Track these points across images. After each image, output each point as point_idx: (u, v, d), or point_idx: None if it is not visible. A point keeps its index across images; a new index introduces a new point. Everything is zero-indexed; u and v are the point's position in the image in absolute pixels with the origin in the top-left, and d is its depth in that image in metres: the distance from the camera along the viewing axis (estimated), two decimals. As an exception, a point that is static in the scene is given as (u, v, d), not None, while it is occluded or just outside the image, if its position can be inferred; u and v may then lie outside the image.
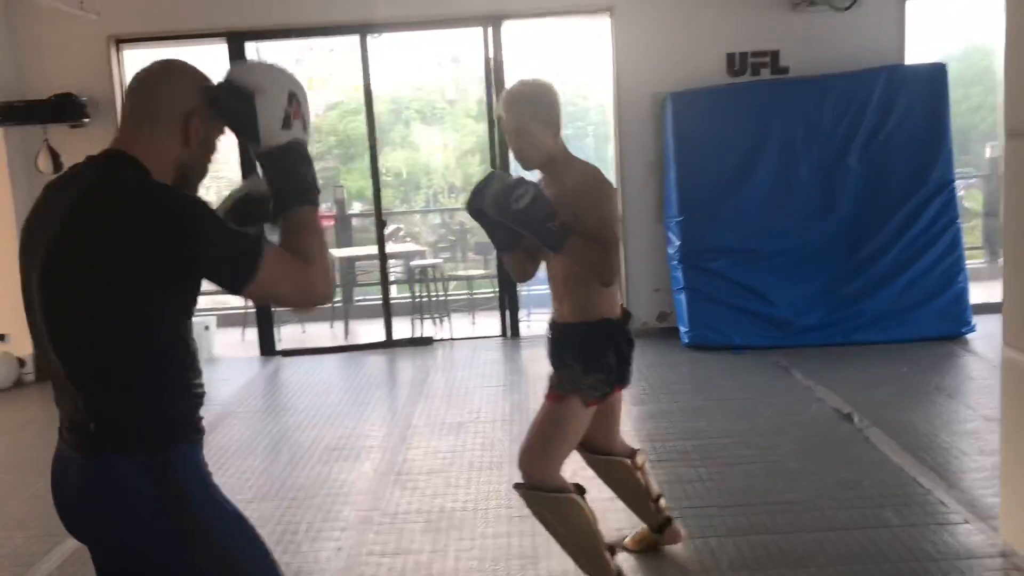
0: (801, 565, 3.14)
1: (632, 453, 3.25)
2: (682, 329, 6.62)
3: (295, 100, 1.66)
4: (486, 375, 6.21)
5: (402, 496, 4.03)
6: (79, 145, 6.35)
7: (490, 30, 6.90)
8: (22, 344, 6.70)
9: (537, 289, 7.96)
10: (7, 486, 4.58)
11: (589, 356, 2.83)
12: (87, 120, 6.59)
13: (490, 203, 2.65)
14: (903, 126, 6.37)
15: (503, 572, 3.24)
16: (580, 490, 2.87)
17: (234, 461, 4.70)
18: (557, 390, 2.86)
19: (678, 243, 6.57)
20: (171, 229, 1.56)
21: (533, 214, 2.60)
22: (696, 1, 6.72)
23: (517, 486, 2.88)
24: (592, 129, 9.39)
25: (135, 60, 7.09)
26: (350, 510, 3.91)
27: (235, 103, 1.65)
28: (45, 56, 6.70)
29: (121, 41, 6.85)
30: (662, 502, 3.33)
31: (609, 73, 6.94)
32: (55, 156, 6.53)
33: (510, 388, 5.84)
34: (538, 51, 8.45)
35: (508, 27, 6.96)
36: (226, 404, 5.86)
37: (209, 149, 1.75)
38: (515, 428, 4.88)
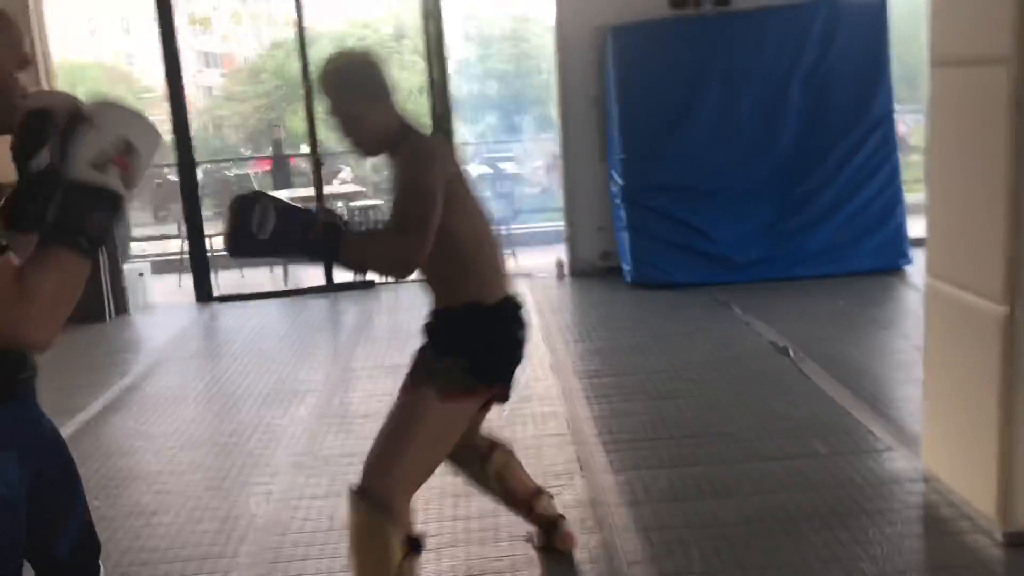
0: (728, 494, 3.16)
1: (488, 450, 2.70)
2: (625, 267, 6.60)
3: (129, 151, 1.47)
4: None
5: (336, 439, 3.99)
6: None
7: (427, -37, 6.70)
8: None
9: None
10: None
11: (441, 340, 2.38)
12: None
13: (239, 244, 2.13)
14: (843, 60, 6.34)
15: (435, 511, 3.21)
16: (417, 542, 2.28)
17: (166, 408, 4.61)
18: (408, 380, 2.37)
19: (621, 181, 6.51)
20: None
21: (287, 235, 2.11)
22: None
23: (352, 493, 2.26)
24: (545, 65, 9.25)
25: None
26: (283, 454, 3.85)
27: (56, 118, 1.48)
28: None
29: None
30: (542, 499, 2.81)
31: (551, 5, 6.79)
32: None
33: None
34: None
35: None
36: (159, 351, 5.74)
37: None
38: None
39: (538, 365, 4.84)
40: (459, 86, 8.24)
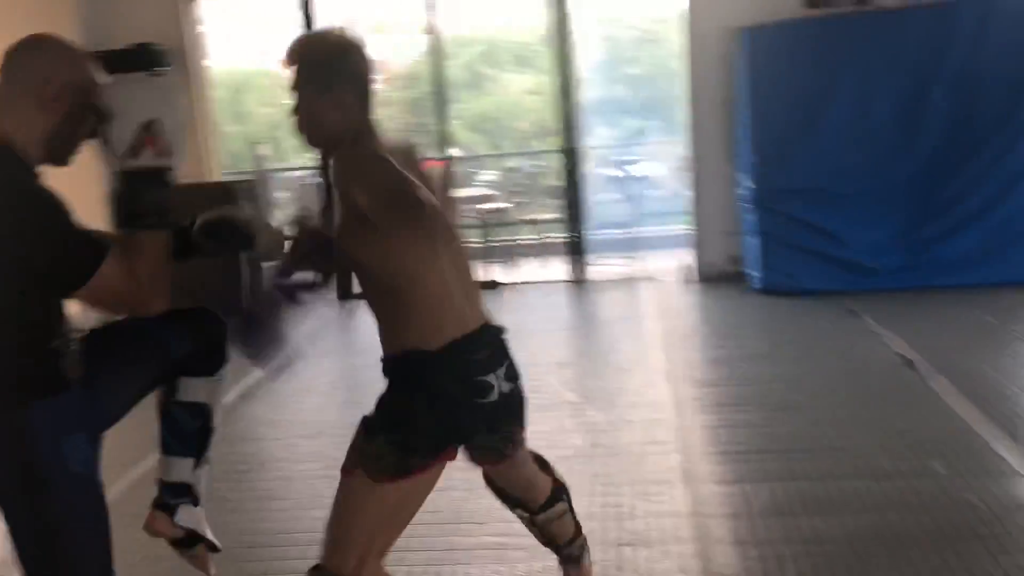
0: (833, 511, 3.06)
1: (538, 507, 2.45)
2: (753, 273, 6.45)
3: (154, 128, 1.69)
4: (547, 319, 6.22)
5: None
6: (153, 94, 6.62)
7: (556, -32, 6.76)
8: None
9: (606, 233, 7.92)
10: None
11: (377, 409, 2.06)
12: (162, 69, 6.77)
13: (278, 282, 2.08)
14: (994, 59, 5.97)
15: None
16: None
17: (295, 398, 4.86)
18: (347, 456, 2.10)
19: (751, 185, 6.37)
20: None
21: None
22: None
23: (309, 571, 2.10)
24: (676, 68, 9.16)
25: (208, 9, 7.27)
26: (395, 448, 4.00)
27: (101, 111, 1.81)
28: (124, 7, 6.89)
29: (194, -10, 7.00)
30: (577, 543, 2.54)
31: (682, 7, 6.72)
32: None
33: (569, 332, 5.84)
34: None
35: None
36: (296, 343, 6.05)
37: (75, 121, 1.85)
38: (567, 372, 4.90)
39: (652, 371, 4.82)
40: (589, 90, 8.26)
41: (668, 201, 8.55)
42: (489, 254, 7.86)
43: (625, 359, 5.13)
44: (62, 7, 6.69)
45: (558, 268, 7.46)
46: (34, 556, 1.86)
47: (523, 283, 7.43)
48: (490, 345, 2.08)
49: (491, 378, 2.02)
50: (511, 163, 10.79)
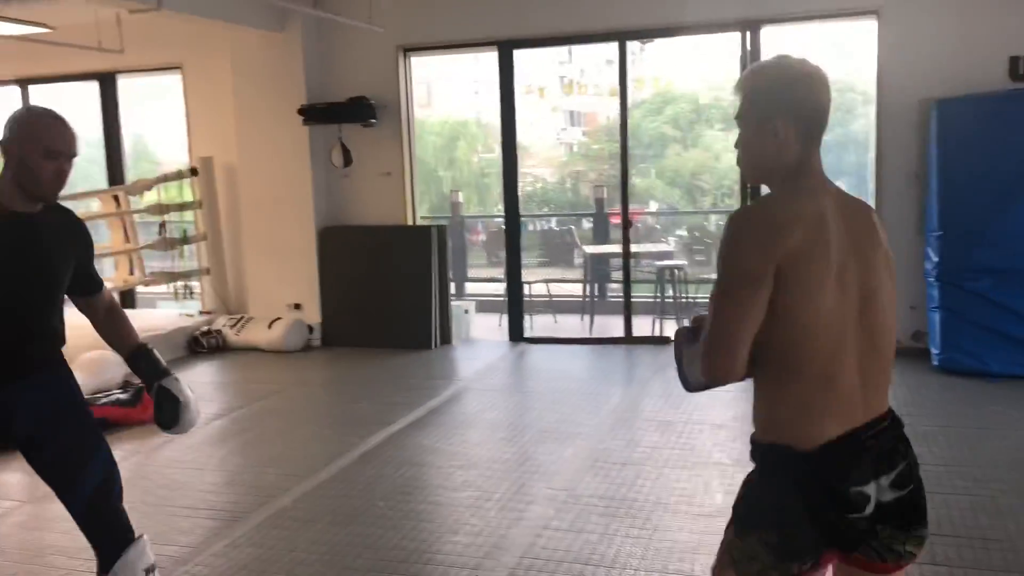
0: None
1: None
2: (933, 351, 6.21)
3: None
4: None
5: (592, 481, 4.28)
6: (367, 142, 7.31)
7: (748, 35, 6.87)
8: (312, 314, 7.75)
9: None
10: (275, 430, 5.42)
11: (743, 502, 1.87)
12: (374, 121, 7.45)
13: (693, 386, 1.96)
14: None
15: (661, 563, 3.38)
16: None
17: (457, 431, 5.20)
18: (716, 562, 1.91)
19: (936, 259, 6.16)
20: None
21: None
22: (975, 0, 6.25)
23: None
24: (863, 137, 8.97)
25: (419, 66, 7.92)
26: (542, 486, 4.22)
27: None
28: (345, 65, 7.66)
29: (407, 50, 7.65)
30: None
31: (872, 78, 6.64)
32: (346, 151, 7.48)
33: (732, 393, 5.82)
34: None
35: (767, 32, 6.89)
36: (467, 381, 6.43)
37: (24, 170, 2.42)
38: (722, 433, 4.93)
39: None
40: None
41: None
42: (665, 310, 7.97)
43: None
44: (294, 64, 7.54)
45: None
46: None
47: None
48: (878, 445, 1.80)
49: (869, 488, 1.76)
50: (699, 220, 10.85)
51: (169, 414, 2.68)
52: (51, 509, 4.26)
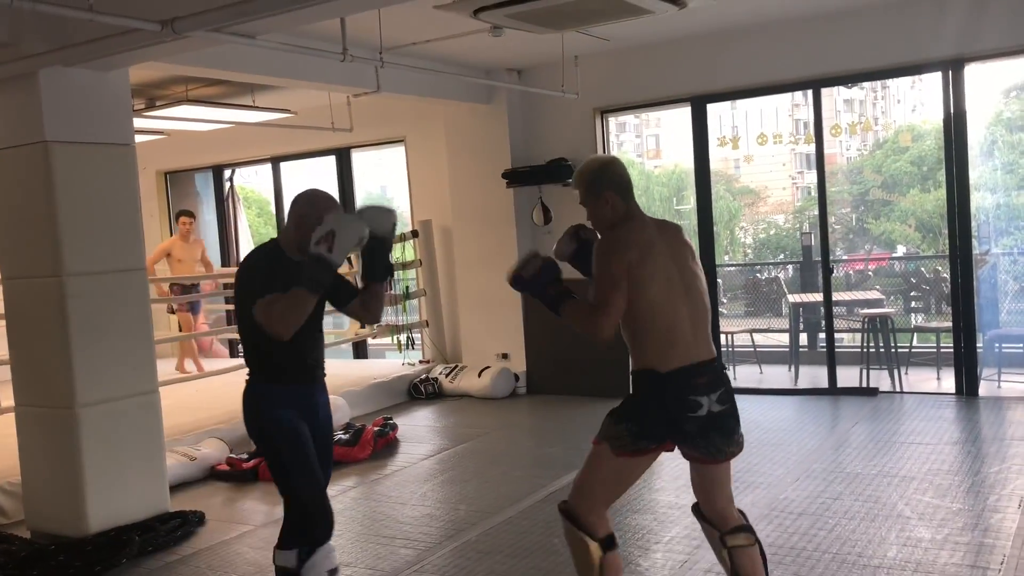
0: None
1: (728, 529, 3.05)
2: None
3: (330, 235, 2.94)
4: (916, 431, 6.00)
5: (765, 528, 4.31)
6: (565, 201, 7.74)
7: (951, 74, 6.64)
8: (518, 363, 8.22)
9: (1011, 347, 7.34)
10: (473, 470, 5.85)
11: (622, 404, 2.95)
12: (571, 181, 7.85)
13: (509, 276, 3.11)
14: None
15: None
16: (608, 541, 2.95)
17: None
18: (597, 434, 2.97)
19: None
20: None
21: (534, 283, 3.04)
22: None
23: (559, 507, 3.05)
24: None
25: (615, 126, 8.24)
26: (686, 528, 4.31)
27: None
28: (545, 129, 8.17)
29: (604, 112, 8.04)
30: None
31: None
32: (546, 210, 7.94)
33: (931, 447, 5.60)
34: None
35: (972, 70, 6.63)
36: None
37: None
38: (911, 486, 4.78)
39: (1008, 497, 4.54)
40: (990, 194, 7.75)
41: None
42: (873, 360, 7.70)
43: (983, 480, 4.85)
44: (500, 132, 8.15)
45: (949, 380, 7.09)
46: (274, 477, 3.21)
47: (906, 392, 7.18)
48: (708, 375, 2.88)
49: (703, 399, 2.85)
50: (929, 264, 10.32)
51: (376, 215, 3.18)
52: (276, 534, 4.91)
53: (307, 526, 3.16)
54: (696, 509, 3.16)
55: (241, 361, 9.85)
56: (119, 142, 4.99)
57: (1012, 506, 4.40)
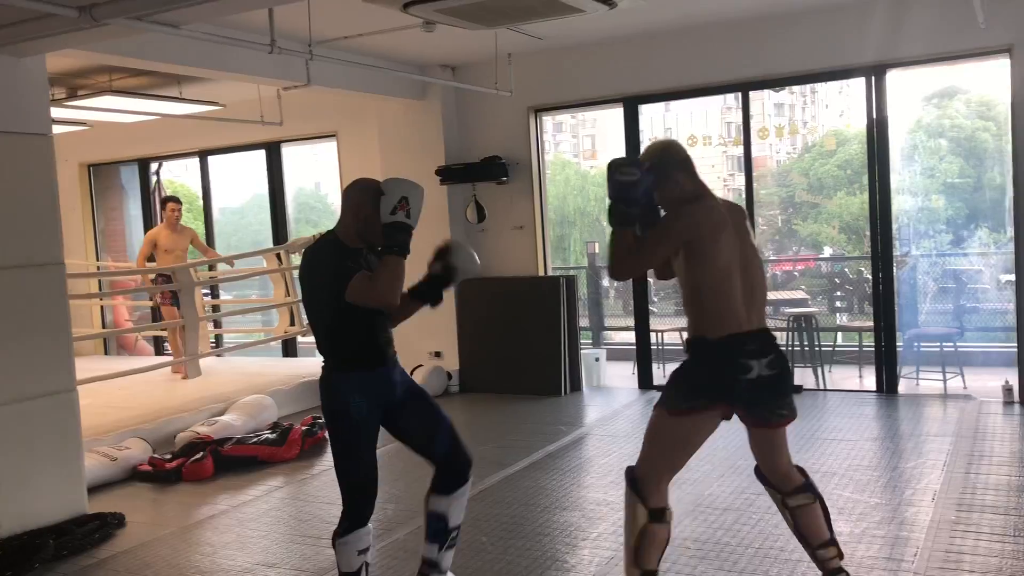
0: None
1: (790, 490, 3.20)
2: (1080, 400, 5.87)
3: (404, 201, 3.12)
4: (837, 428, 6.15)
5: (690, 524, 4.37)
6: (499, 198, 7.73)
7: (874, 80, 6.81)
8: (451, 361, 8.19)
9: (929, 347, 7.57)
10: (401, 470, 5.79)
11: (677, 370, 3.14)
12: (506, 178, 7.87)
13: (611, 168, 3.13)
14: None
15: None
16: (659, 513, 3.10)
17: (571, 474, 5.41)
18: (657, 402, 3.16)
19: (1081, 303, 5.86)
20: None
21: (625, 190, 3.06)
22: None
23: (626, 470, 3.21)
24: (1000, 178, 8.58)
25: (552, 126, 8.27)
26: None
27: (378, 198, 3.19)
28: (479, 127, 8.15)
29: (538, 110, 8.06)
30: (827, 552, 3.20)
31: (1007, 117, 6.44)
32: (480, 208, 7.93)
33: (851, 444, 5.74)
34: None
35: (893, 76, 6.81)
36: (589, 426, 6.62)
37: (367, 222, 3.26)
38: (831, 482, 4.89)
39: (923, 490, 4.68)
40: (909, 198, 8.01)
41: (993, 315, 7.95)
42: (798, 358, 7.87)
43: (900, 476, 5.00)
44: (433, 129, 8.10)
45: (870, 378, 7.29)
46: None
47: (829, 389, 7.36)
48: (758, 342, 3.03)
49: (753, 363, 2.97)
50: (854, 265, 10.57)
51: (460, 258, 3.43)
52: (200, 535, 4.80)
53: (349, 507, 3.39)
54: (758, 471, 3.28)
55: (164, 359, 9.58)
56: (36, 132, 4.82)
57: (926, 500, 4.54)
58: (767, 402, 3.05)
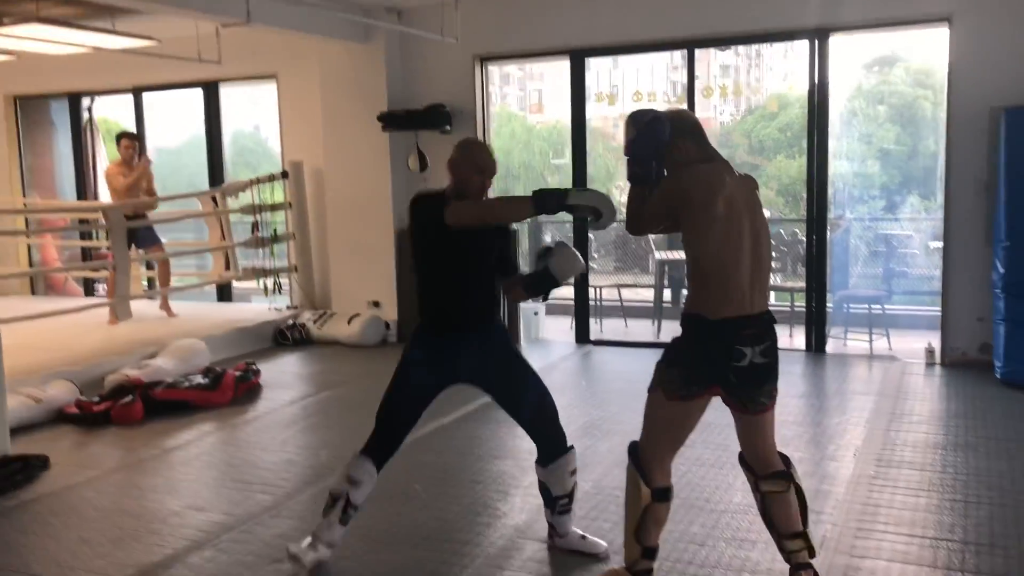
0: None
1: (765, 474, 3.10)
2: (997, 364, 6.10)
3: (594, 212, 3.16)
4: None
5: (620, 475, 4.41)
6: (442, 148, 7.64)
7: (817, 44, 6.87)
8: (389, 311, 8.15)
9: (858, 308, 7.76)
10: (336, 417, 5.79)
11: (672, 347, 3.01)
12: (449, 128, 7.79)
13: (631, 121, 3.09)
14: None
15: (664, 552, 3.54)
16: (661, 492, 3.07)
17: (505, 424, 5.42)
18: (651, 382, 3.06)
19: (1002, 270, 6.05)
20: None
21: (629, 148, 3.05)
22: (1050, 7, 6.12)
23: (629, 446, 3.18)
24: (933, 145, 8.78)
25: (499, 77, 8.19)
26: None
27: None
28: (424, 74, 8.03)
29: (484, 59, 7.96)
30: (794, 543, 3.08)
31: (944, 85, 6.56)
32: (422, 156, 7.84)
33: (782, 400, 5.86)
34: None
35: (836, 41, 6.88)
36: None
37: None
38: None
39: (844, 447, 4.83)
40: (844, 162, 8.16)
41: (920, 280, 8.18)
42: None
43: (823, 432, 5.15)
44: (376, 74, 7.95)
45: (800, 337, 7.46)
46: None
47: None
48: (757, 327, 2.91)
49: (747, 350, 2.88)
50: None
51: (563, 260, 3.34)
52: (127, 478, 4.74)
53: (372, 436, 3.56)
54: (741, 458, 3.20)
55: (96, 300, 9.34)
56: (-44, 58, 4.59)
57: (847, 455, 4.69)
58: (750, 390, 2.96)
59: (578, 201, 3.10)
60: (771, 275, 3.09)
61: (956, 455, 4.62)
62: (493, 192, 4.01)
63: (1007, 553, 3.44)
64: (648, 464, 3.07)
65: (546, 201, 3.10)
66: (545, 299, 3.60)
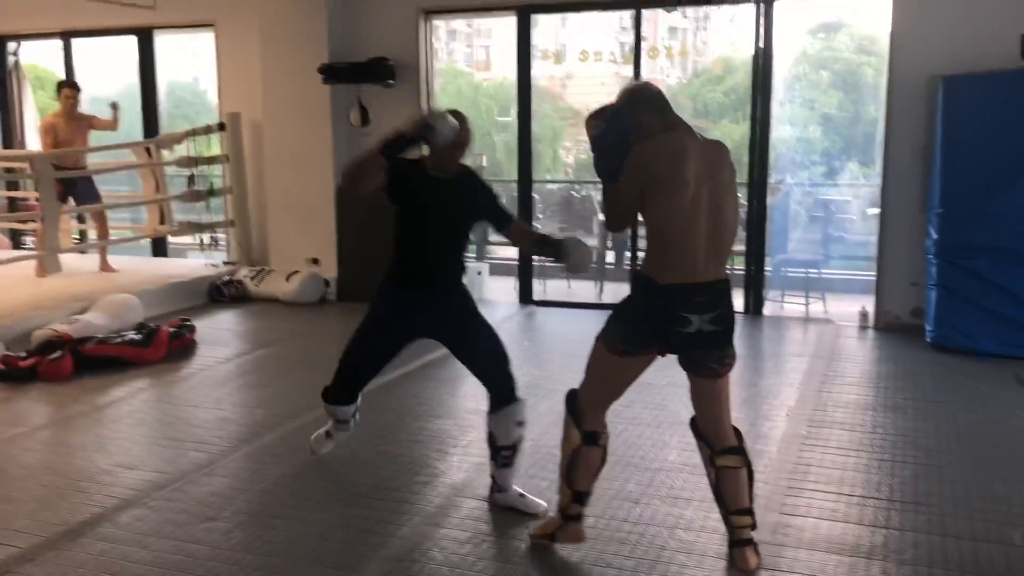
0: (897, 563, 3.13)
1: (720, 449, 3.08)
2: (927, 328, 6.25)
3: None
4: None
5: (557, 433, 4.43)
6: (385, 103, 7.49)
7: (762, 8, 6.87)
8: (329, 269, 8.03)
9: (795, 272, 7.88)
10: (273, 375, 5.71)
11: (622, 304, 3.06)
12: (392, 82, 7.64)
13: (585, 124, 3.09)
14: None
15: (600, 510, 3.56)
16: (590, 436, 3.13)
17: (446, 384, 5.43)
18: (600, 331, 3.09)
19: (935, 237, 6.18)
20: None
21: (596, 144, 3.02)
22: (991, -23, 6.20)
23: (567, 393, 3.22)
24: (873, 111, 8.91)
25: (446, 34, 8.03)
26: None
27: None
28: (367, 26, 7.84)
29: (429, 12, 7.80)
30: (741, 520, 3.08)
31: (884, 50, 6.63)
32: (364, 111, 7.69)
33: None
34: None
35: (781, 6, 6.89)
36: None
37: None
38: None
39: (778, 407, 4.91)
40: (785, 127, 8.23)
41: (857, 245, 8.34)
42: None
43: (758, 393, 5.23)
44: (318, 24, 7.74)
45: (738, 300, 7.54)
46: None
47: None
48: (708, 295, 2.88)
49: (693, 317, 2.86)
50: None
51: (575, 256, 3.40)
52: (55, 436, 4.62)
53: (333, 380, 3.80)
54: (694, 426, 3.18)
55: (23, 253, 9.06)
56: None
57: (781, 415, 4.77)
58: (701, 354, 2.96)
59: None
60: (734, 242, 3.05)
61: (885, 416, 4.74)
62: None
63: (930, 511, 3.54)
64: (582, 409, 3.14)
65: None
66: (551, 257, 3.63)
